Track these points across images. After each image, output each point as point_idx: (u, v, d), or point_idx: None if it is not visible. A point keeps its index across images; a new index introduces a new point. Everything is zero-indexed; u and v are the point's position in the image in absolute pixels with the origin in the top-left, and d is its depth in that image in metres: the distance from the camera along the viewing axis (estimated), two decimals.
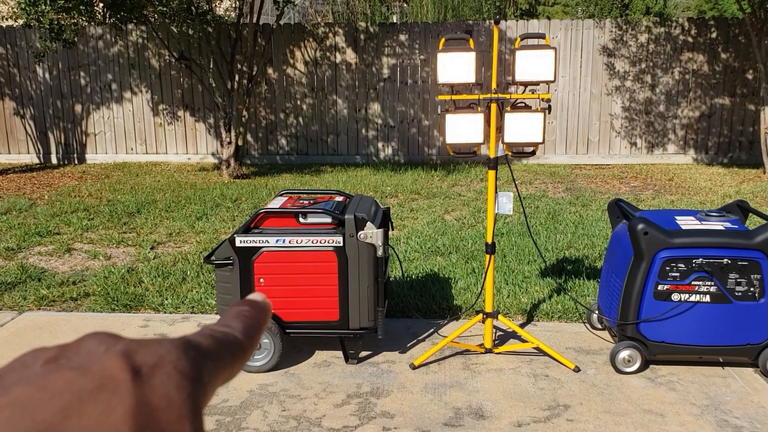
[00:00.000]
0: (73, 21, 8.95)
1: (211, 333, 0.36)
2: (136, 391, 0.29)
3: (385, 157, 10.29)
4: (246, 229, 3.39)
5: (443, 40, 3.49)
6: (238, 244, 3.32)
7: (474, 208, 6.99)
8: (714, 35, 9.74)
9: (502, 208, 3.59)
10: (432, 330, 4.02)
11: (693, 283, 3.32)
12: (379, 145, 10.28)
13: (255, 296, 0.42)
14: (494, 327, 3.94)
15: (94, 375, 0.29)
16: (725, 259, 3.29)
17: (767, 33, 8.65)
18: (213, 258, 3.39)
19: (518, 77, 3.37)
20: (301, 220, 3.41)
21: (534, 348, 3.66)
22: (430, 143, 10.21)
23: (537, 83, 3.39)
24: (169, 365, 0.31)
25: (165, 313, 4.34)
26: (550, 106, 3.44)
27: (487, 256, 3.64)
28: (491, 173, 3.56)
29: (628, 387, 3.32)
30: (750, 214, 3.71)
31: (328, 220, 3.40)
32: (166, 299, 4.48)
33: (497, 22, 3.46)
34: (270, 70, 10.11)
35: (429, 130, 10.17)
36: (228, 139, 8.83)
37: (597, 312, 3.92)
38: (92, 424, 0.27)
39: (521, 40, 3.46)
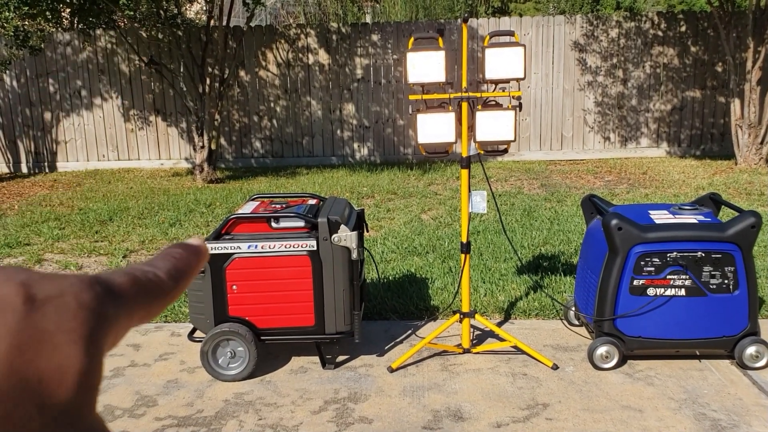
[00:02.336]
0: (39, 27, 8.80)
1: (130, 271, 0.35)
2: (25, 314, 0.29)
3: (361, 158, 10.25)
4: (217, 236, 3.33)
5: (412, 39, 3.46)
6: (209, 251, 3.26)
7: (450, 207, 6.97)
8: (683, 29, 9.83)
9: (476, 207, 3.57)
10: (410, 331, 3.99)
11: (668, 277, 3.33)
12: (355, 145, 10.24)
13: (192, 239, 0.41)
14: (472, 326, 3.92)
15: None
16: (699, 252, 3.30)
17: (735, 26, 8.75)
18: None
19: (488, 75, 3.35)
20: (274, 224, 3.36)
21: (512, 347, 3.64)
22: (405, 143, 10.19)
23: (507, 81, 3.38)
24: (69, 296, 0.31)
25: None
26: (521, 104, 3.43)
27: (463, 255, 3.61)
28: (464, 172, 3.53)
29: (607, 383, 3.31)
30: (722, 206, 3.73)
31: (301, 224, 3.36)
32: None
33: (465, 20, 3.44)
34: (242, 73, 10.02)
35: (404, 129, 10.14)
36: (201, 144, 8.73)
37: (574, 308, 3.92)
38: None
39: (491, 37, 3.44)
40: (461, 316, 3.60)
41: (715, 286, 3.33)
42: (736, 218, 3.34)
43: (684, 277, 3.32)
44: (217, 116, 8.89)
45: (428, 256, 5.31)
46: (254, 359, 3.34)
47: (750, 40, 8.44)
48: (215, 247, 3.26)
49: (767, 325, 3.88)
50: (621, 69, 9.95)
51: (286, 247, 3.28)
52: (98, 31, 9.82)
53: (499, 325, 4.05)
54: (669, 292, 3.34)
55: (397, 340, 3.88)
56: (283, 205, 3.54)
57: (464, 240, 3.61)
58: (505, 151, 3.56)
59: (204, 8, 9.51)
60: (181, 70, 8.88)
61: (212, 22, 8.91)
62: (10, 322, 0.28)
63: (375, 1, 15.18)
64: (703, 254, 3.30)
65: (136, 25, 8.86)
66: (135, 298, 0.34)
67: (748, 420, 2.97)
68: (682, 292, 3.33)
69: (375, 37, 9.97)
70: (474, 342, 3.80)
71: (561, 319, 4.10)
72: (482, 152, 3.52)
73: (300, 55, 10.03)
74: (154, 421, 3.07)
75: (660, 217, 3.46)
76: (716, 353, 3.50)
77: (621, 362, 3.46)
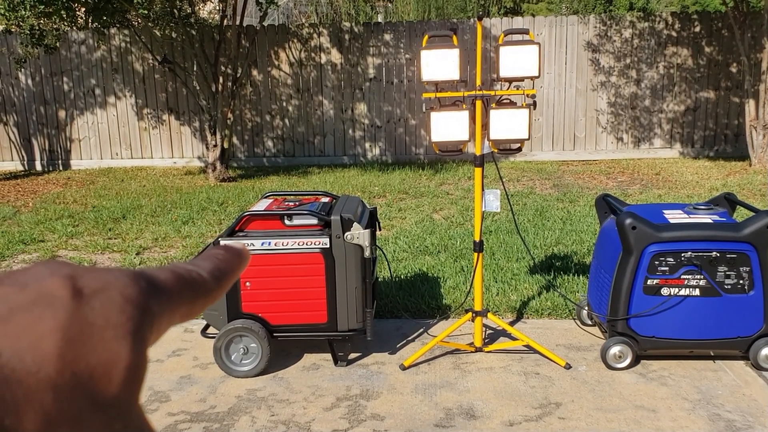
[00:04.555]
0: (54, 26, 8.86)
1: (173, 269, 0.35)
2: (72, 308, 0.28)
3: (372, 158, 10.25)
4: (230, 233, 3.34)
5: (426, 37, 3.46)
6: None
7: (462, 207, 6.96)
8: (698, 29, 9.77)
9: (490, 206, 3.56)
10: (421, 330, 3.99)
11: (682, 276, 3.31)
12: (367, 145, 10.24)
13: (232, 242, 0.41)
14: (484, 325, 3.91)
15: (32, 291, 0.29)
16: (714, 252, 3.28)
17: (750, 26, 8.69)
18: None
19: (503, 73, 3.34)
20: (287, 222, 3.37)
21: (524, 346, 3.63)
22: (417, 142, 10.18)
23: (521, 79, 3.37)
24: (114, 290, 0.30)
25: None
26: (535, 102, 3.42)
27: (475, 254, 3.61)
28: (477, 171, 3.53)
29: (620, 383, 3.30)
30: (738, 206, 3.70)
31: (314, 221, 3.37)
32: None
33: (480, 19, 3.43)
34: (255, 72, 10.05)
35: (416, 129, 10.14)
36: (213, 142, 8.76)
37: (587, 308, 3.91)
38: (18, 331, 0.27)
39: (505, 36, 3.43)
40: (473, 315, 3.60)
41: (729, 287, 3.31)
42: (751, 218, 3.31)
43: (698, 277, 3.30)
44: (229, 115, 8.92)
45: (440, 255, 5.31)
46: (267, 356, 3.35)
47: (765, 40, 8.38)
48: None
49: None
50: (634, 69, 9.90)
51: (299, 244, 3.28)
52: (112, 30, 9.88)
53: (512, 324, 4.04)
54: (683, 292, 3.32)
55: (409, 338, 3.88)
56: (297, 203, 3.55)
57: (477, 239, 3.61)
58: (519, 149, 3.55)
59: (217, 7, 9.54)
60: (194, 69, 8.92)
61: (225, 21, 8.95)
62: (60, 316, 0.28)
63: (387, 0, 15.18)
64: (718, 254, 3.27)
65: (150, 24, 8.90)
66: (179, 295, 0.34)
67: (763, 421, 2.94)
68: (697, 292, 3.31)
69: (387, 37, 9.97)
70: (486, 341, 3.79)
71: (574, 319, 4.08)
72: (496, 151, 3.52)
73: (312, 54, 10.04)
74: (167, 417, 3.09)
75: (674, 216, 3.44)
76: (731, 354, 3.48)
77: (634, 362, 3.45)
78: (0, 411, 0.25)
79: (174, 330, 4.07)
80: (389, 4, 15.24)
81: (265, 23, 9.70)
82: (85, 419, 0.27)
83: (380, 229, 3.98)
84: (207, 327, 3.63)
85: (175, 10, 8.66)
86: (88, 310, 0.29)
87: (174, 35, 9.50)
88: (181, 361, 3.65)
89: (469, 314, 3.61)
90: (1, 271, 0.31)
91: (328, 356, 3.59)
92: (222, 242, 0.35)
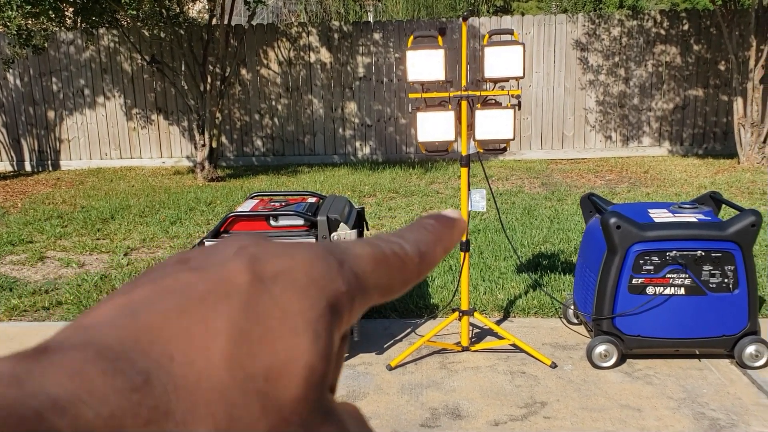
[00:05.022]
0: (42, 26, 8.81)
1: (373, 241, 0.31)
2: (248, 297, 0.25)
3: (362, 157, 10.25)
4: (215, 234, 3.34)
5: (412, 37, 3.47)
6: None
7: (452, 206, 6.97)
8: (686, 27, 9.81)
9: (475, 206, 3.57)
10: (409, 330, 3.99)
11: (667, 275, 3.32)
12: (357, 144, 10.24)
13: (448, 211, 0.35)
14: (471, 325, 3.92)
15: (211, 277, 0.25)
16: (699, 251, 3.29)
17: (738, 24, 8.74)
18: None
19: (487, 74, 3.35)
20: (273, 222, 3.36)
21: (510, 345, 3.64)
22: (407, 141, 10.19)
23: (506, 79, 3.37)
24: (299, 271, 0.26)
25: None
26: (520, 102, 3.43)
27: (462, 253, 3.62)
28: (464, 171, 3.53)
29: (605, 382, 3.31)
30: (723, 205, 3.72)
31: (300, 222, 3.36)
32: None
33: (465, 19, 3.44)
34: (243, 71, 10.03)
35: (406, 128, 10.14)
36: (202, 142, 8.74)
37: (573, 307, 3.92)
38: (191, 327, 0.24)
39: (490, 36, 3.44)
40: (460, 314, 3.60)
41: (714, 285, 3.33)
42: (736, 217, 3.33)
43: (683, 275, 3.31)
44: (218, 114, 8.90)
45: None
46: None
47: (753, 38, 8.43)
48: None
49: (767, 324, 3.88)
50: (623, 68, 9.93)
51: None
52: (101, 31, 9.83)
53: (498, 323, 4.05)
54: (668, 291, 3.33)
55: (397, 338, 3.88)
56: (283, 203, 3.55)
57: (463, 238, 3.61)
58: (505, 149, 3.56)
59: (206, 7, 9.52)
60: (183, 68, 8.89)
61: (214, 20, 8.92)
62: (234, 308, 0.25)
63: None
64: (703, 253, 3.29)
65: (138, 24, 8.87)
66: (374, 275, 0.29)
67: (747, 419, 2.96)
68: (682, 291, 3.33)
69: (377, 36, 9.97)
70: (473, 340, 3.80)
71: (560, 318, 4.09)
72: (482, 151, 3.52)
73: (302, 53, 10.03)
74: None
75: (659, 215, 3.45)
76: (716, 352, 3.50)
77: (620, 361, 3.46)
78: (168, 425, 0.22)
79: None
80: (379, 3, 15.24)
81: (254, 22, 9.68)
82: (260, 427, 0.24)
83: (368, 229, 3.98)
84: None
85: (164, 10, 8.63)
86: (266, 298, 0.25)
87: (162, 35, 9.47)
88: None
89: (456, 314, 3.62)
90: (194, 249, 0.28)
91: None
92: (440, 212, 0.30)
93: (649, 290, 3.34)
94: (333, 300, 0.27)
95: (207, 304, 0.24)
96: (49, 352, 0.23)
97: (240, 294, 0.25)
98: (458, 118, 3.48)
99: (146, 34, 9.50)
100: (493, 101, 3.50)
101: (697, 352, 3.52)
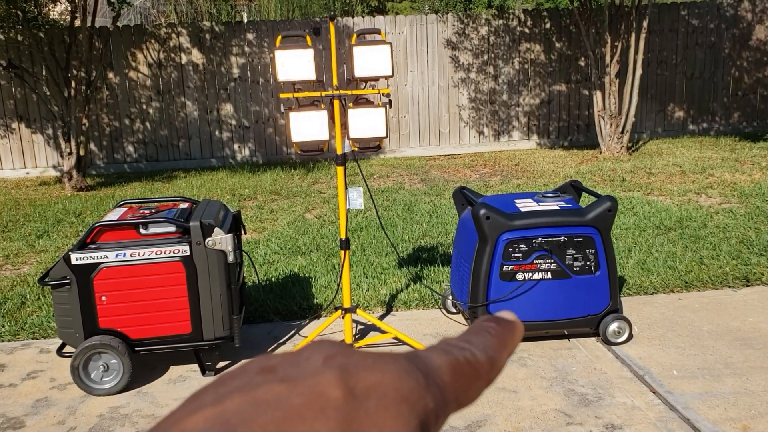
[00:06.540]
0: None
1: (447, 349, 0.31)
2: (345, 414, 0.25)
3: (242, 159, 10.08)
4: (82, 245, 3.18)
5: (280, 37, 3.45)
6: (74, 261, 3.11)
7: (334, 205, 7.00)
8: (548, 26, 10.32)
9: (353, 203, 3.61)
10: (293, 332, 3.98)
11: (535, 261, 3.50)
12: (235, 146, 10.06)
13: (504, 313, 0.37)
14: (354, 321, 3.96)
15: (304, 390, 0.26)
16: (562, 237, 3.49)
17: (594, 22, 9.29)
18: (48, 279, 3.16)
19: (357, 73, 3.39)
20: (142, 231, 3.25)
21: (393, 338, 3.71)
22: (288, 142, 10.11)
23: (376, 78, 3.43)
24: (389, 386, 0.27)
25: (2, 341, 4.00)
26: (390, 101, 3.49)
27: (342, 251, 3.64)
28: (340, 169, 3.56)
29: None
30: (583, 192, 3.96)
31: (172, 228, 3.27)
32: (3, 326, 4.13)
33: (332, 19, 3.46)
34: (111, 75, 9.60)
35: (286, 129, 10.05)
36: (69, 150, 8.29)
37: (451, 297, 4.04)
38: None
39: (357, 36, 3.48)
40: (343, 312, 3.63)
41: (578, 268, 3.53)
42: (594, 203, 3.55)
43: (549, 261, 3.50)
44: (84, 121, 8.46)
45: (312, 255, 5.31)
46: (129, 371, 3.22)
47: (608, 35, 8.99)
48: (80, 258, 3.11)
49: (628, 302, 4.17)
50: (492, 65, 10.32)
51: (156, 253, 3.18)
52: None
53: (381, 318, 4.11)
54: (536, 276, 3.51)
55: (281, 341, 3.85)
56: (153, 210, 3.43)
57: (343, 236, 3.64)
58: (378, 147, 3.62)
59: (68, 8, 9.02)
60: (44, 73, 8.39)
61: (77, 22, 8.48)
62: (332, 424, 0.24)
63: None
64: (566, 238, 3.49)
65: None
66: (453, 385, 0.30)
67: (612, 392, 3.17)
68: (549, 275, 3.52)
69: (250, 36, 9.83)
70: (357, 336, 3.84)
71: (440, 308, 4.21)
72: (356, 149, 3.56)
73: (172, 54, 9.72)
74: None
75: (525, 205, 3.63)
76: (583, 332, 3.72)
77: None
78: None
79: (29, 351, 3.83)
80: (251, 3, 15.02)
81: (120, 24, 9.28)
82: None
83: (245, 233, 3.93)
84: (63, 346, 3.44)
85: (20, 12, 8.11)
86: (361, 414, 0.25)
87: (20, 38, 8.90)
88: (36, 384, 3.44)
89: (339, 312, 3.64)
90: (276, 355, 0.28)
91: (196, 367, 3.51)
92: (494, 314, 0.30)
93: (519, 276, 3.50)
94: (423, 417, 0.27)
95: (305, 420, 0.24)
96: None
97: (336, 410, 0.25)
98: (331, 118, 3.51)
99: (1, 37, 8.88)
100: (365, 100, 3.54)
101: (566, 333, 3.73)
